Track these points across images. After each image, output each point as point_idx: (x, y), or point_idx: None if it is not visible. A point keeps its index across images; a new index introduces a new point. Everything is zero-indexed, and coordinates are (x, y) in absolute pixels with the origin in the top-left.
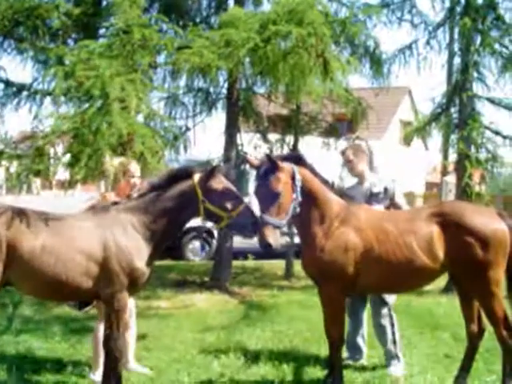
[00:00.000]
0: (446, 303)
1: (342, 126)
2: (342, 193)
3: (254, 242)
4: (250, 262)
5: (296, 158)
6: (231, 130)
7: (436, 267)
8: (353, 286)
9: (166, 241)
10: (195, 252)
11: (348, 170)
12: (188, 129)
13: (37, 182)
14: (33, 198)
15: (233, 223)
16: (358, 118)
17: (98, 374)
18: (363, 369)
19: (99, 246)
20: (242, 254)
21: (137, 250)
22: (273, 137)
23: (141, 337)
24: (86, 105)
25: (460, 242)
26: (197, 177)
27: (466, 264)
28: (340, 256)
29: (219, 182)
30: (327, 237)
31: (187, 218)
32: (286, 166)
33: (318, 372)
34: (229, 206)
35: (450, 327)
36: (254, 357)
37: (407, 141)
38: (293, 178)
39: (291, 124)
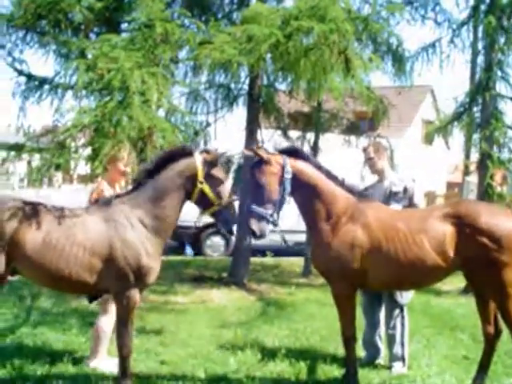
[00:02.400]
0: (465, 304)
1: (363, 124)
2: (355, 189)
3: (273, 239)
4: (269, 259)
5: (293, 151)
6: (252, 126)
7: (446, 266)
8: (362, 282)
9: (172, 227)
10: (214, 248)
11: (368, 168)
12: (209, 124)
13: (58, 176)
14: (52, 192)
15: (218, 213)
16: (380, 116)
17: (94, 362)
18: (381, 368)
19: (103, 242)
20: (261, 251)
21: (143, 245)
22: (293, 134)
23: (157, 332)
24: (107, 98)
25: (475, 242)
26: (198, 156)
27: (480, 265)
28: (346, 253)
29: (219, 170)
30: (334, 233)
31: (184, 199)
32: (277, 158)
33: (334, 371)
34: (222, 195)
35: (469, 328)
36: (270, 354)
37: (429, 140)
38: (283, 170)
39: (312, 121)
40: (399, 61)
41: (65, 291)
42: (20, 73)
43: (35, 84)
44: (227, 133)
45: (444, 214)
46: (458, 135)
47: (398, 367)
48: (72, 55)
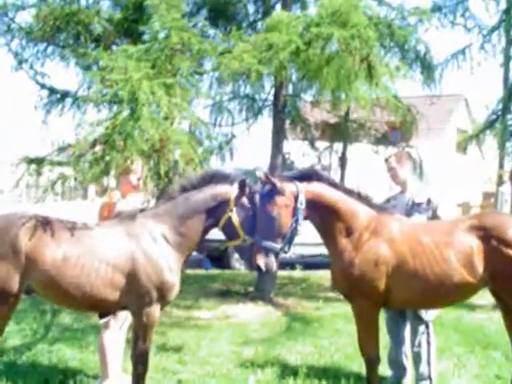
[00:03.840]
0: (498, 320)
1: (395, 134)
2: (375, 202)
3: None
4: (298, 273)
5: (307, 176)
6: (278, 138)
7: (475, 283)
8: (385, 301)
9: (194, 247)
10: (242, 261)
11: (391, 178)
12: (234, 136)
13: (92, 189)
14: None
15: (241, 248)
16: (408, 125)
17: (107, 382)
18: None
19: (126, 257)
20: (290, 264)
21: (167, 261)
22: (321, 144)
23: (177, 349)
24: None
25: (502, 256)
26: (235, 186)
27: (509, 281)
28: (371, 270)
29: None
30: (357, 250)
31: (211, 225)
32: (289, 187)
33: None
34: (248, 228)
35: (503, 346)
36: (291, 372)
37: (461, 149)
38: (296, 200)
39: (339, 131)
40: (428, 68)
41: (83, 309)
42: (42, 86)
43: (57, 97)
44: (253, 145)
45: (469, 226)
46: (492, 144)
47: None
48: (92, 68)
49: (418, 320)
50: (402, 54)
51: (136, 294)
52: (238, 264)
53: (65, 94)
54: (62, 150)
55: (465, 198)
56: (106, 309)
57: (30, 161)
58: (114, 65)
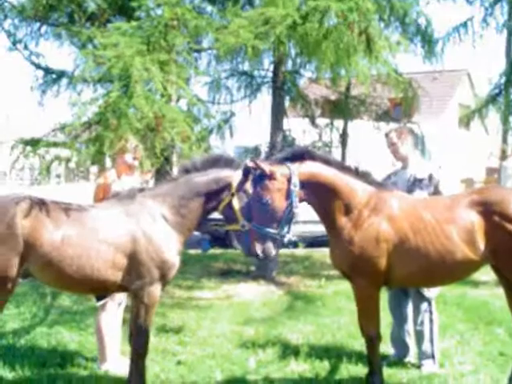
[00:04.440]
0: (502, 296)
1: (398, 111)
2: (373, 178)
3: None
4: (301, 251)
5: (299, 156)
6: (277, 115)
7: (477, 259)
8: (387, 279)
9: (194, 229)
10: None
11: (391, 154)
12: (233, 114)
13: (94, 170)
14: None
15: (239, 234)
16: (409, 100)
17: (105, 365)
18: (410, 367)
19: (127, 237)
20: (292, 243)
21: (167, 241)
22: (321, 121)
23: (177, 330)
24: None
25: (504, 232)
26: (239, 171)
27: (510, 255)
28: (371, 248)
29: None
30: (356, 228)
31: (212, 208)
32: (281, 169)
33: (359, 370)
34: (248, 214)
35: (506, 322)
36: (293, 352)
37: (464, 124)
38: (289, 182)
39: (340, 108)
40: (429, 42)
41: (83, 292)
42: (37, 66)
43: (53, 77)
44: (253, 123)
45: (471, 201)
46: (496, 119)
47: (428, 366)
48: (87, 46)
49: (421, 298)
50: (403, 27)
51: (137, 273)
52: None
53: (60, 74)
54: (57, 130)
55: (468, 173)
56: (106, 290)
57: (26, 142)
58: (106, 42)
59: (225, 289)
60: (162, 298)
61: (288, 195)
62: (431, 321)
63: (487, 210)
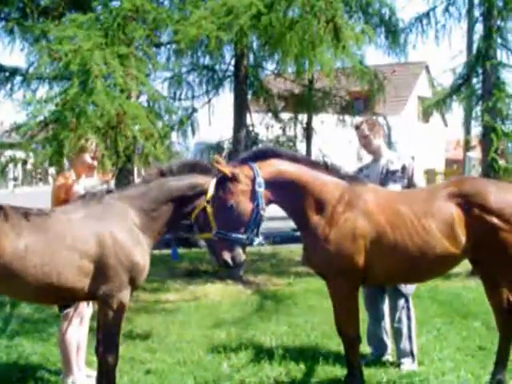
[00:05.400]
0: (475, 287)
1: (358, 104)
2: (344, 172)
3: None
4: (267, 248)
5: (262, 155)
6: (240, 110)
7: (458, 253)
8: (365, 277)
9: (165, 233)
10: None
11: (362, 147)
12: (195, 110)
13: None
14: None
15: (213, 244)
16: (375, 92)
17: (71, 378)
18: (389, 366)
19: (93, 241)
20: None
21: (136, 243)
22: (285, 116)
23: (145, 336)
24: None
25: (485, 224)
26: (214, 179)
27: (492, 249)
28: (348, 246)
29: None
30: (331, 225)
31: (184, 214)
32: (244, 171)
33: (337, 371)
34: (221, 224)
35: (482, 314)
36: (267, 355)
37: (426, 116)
38: (253, 183)
39: (304, 101)
40: (393, 33)
41: (48, 302)
42: None
43: (5, 75)
44: (215, 119)
45: (449, 193)
46: (455, 111)
47: (407, 364)
48: (41, 42)
49: (398, 294)
50: (366, 18)
51: (105, 279)
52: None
53: (13, 72)
54: (13, 131)
55: (429, 165)
56: (73, 299)
57: None
58: (62, 35)
59: (191, 290)
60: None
61: (253, 197)
62: (409, 318)
63: (466, 202)
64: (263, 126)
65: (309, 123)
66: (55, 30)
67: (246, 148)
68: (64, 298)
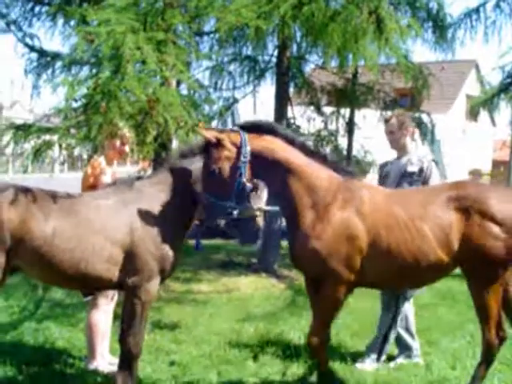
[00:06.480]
0: None
1: (404, 101)
2: (341, 166)
3: None
4: None
5: (258, 128)
6: (281, 102)
7: (449, 262)
8: (357, 280)
9: (194, 218)
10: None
11: (388, 142)
12: (236, 100)
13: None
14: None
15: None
16: (419, 88)
17: (94, 364)
18: (418, 368)
19: (123, 228)
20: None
21: (167, 232)
22: (327, 109)
23: (172, 326)
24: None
25: (484, 232)
26: None
27: (484, 260)
28: (342, 246)
29: None
30: (323, 222)
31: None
32: (233, 137)
33: (366, 373)
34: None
35: None
36: (295, 353)
37: (473, 114)
38: (239, 151)
39: (346, 95)
40: (440, 28)
41: (75, 288)
42: (31, 48)
43: (47, 60)
44: (256, 110)
45: (448, 197)
46: (503, 110)
47: (401, 357)
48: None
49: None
50: (413, 11)
51: (135, 269)
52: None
53: (55, 56)
54: (50, 116)
55: (475, 165)
56: (100, 286)
57: (17, 127)
58: (98, 19)
59: (224, 282)
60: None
61: (237, 165)
62: (393, 319)
63: (466, 207)
64: (304, 119)
65: (351, 118)
66: (93, 13)
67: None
68: (92, 285)
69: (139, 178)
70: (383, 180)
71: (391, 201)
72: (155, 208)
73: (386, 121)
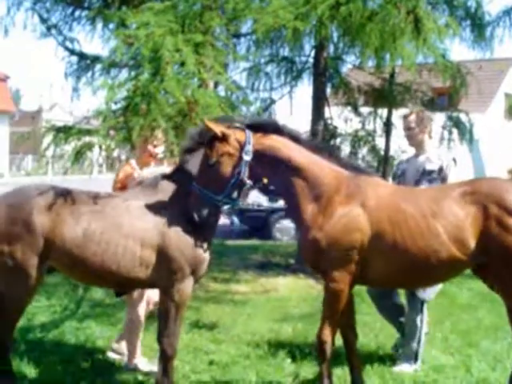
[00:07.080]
0: None
1: (442, 100)
2: (348, 162)
3: None
4: None
5: (263, 126)
6: (318, 103)
7: (465, 259)
8: (361, 276)
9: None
10: (283, 231)
11: (406, 138)
12: (273, 101)
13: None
14: None
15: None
16: (457, 87)
17: (134, 362)
18: (457, 370)
19: (154, 231)
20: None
21: (197, 233)
22: (365, 109)
23: (211, 326)
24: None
25: (501, 228)
26: None
27: (506, 255)
28: (343, 238)
29: None
30: (326, 216)
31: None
32: (238, 134)
33: (404, 375)
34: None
35: None
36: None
37: (511, 112)
38: (242, 149)
39: (384, 95)
40: (478, 26)
41: (110, 288)
42: (71, 52)
43: (87, 63)
44: (294, 111)
45: (462, 192)
46: None
47: (405, 367)
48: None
49: (415, 297)
50: (451, 10)
51: (167, 270)
52: (279, 234)
53: (95, 60)
54: (90, 118)
55: None
56: (134, 287)
57: (58, 129)
58: (138, 21)
59: (262, 282)
60: (196, 291)
61: (237, 163)
62: (421, 321)
63: (482, 202)
64: (342, 119)
65: (388, 118)
66: (132, 17)
67: (323, 141)
68: (126, 285)
69: (165, 178)
70: (399, 178)
71: (400, 196)
72: (184, 209)
73: (405, 117)
